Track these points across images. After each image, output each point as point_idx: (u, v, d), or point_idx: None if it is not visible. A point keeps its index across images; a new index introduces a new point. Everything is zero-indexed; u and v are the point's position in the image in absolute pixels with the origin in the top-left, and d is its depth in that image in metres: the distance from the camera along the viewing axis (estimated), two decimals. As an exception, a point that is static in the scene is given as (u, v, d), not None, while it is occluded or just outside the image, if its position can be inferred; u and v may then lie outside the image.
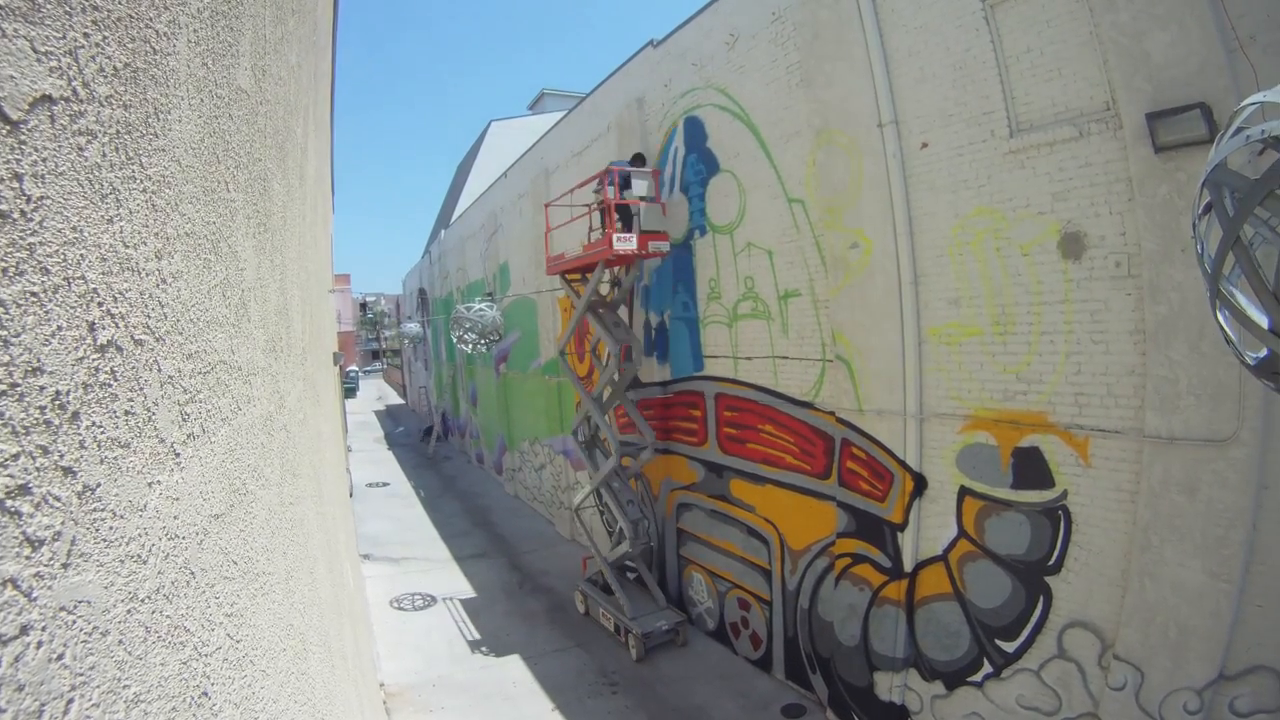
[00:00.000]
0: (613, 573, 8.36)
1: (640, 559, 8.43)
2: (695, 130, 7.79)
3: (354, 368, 40.22)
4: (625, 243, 7.38)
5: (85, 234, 0.77)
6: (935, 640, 5.50)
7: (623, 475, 8.50)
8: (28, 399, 0.66)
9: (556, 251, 9.27)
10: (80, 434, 0.75)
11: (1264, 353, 1.61)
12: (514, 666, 7.73)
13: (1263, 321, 1.53)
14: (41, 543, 0.68)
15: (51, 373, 0.70)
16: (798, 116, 6.33)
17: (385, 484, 17.61)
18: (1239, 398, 3.74)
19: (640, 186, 7.80)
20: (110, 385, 0.83)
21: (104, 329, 0.82)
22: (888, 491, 5.76)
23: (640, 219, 7.64)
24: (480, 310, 12.57)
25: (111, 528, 0.81)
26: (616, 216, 7.64)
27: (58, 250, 0.72)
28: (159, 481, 0.97)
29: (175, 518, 1.02)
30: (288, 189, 2.45)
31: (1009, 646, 4.97)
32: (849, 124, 5.77)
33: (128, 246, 0.89)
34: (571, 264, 8.56)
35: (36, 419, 0.68)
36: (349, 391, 30.20)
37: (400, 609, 9.66)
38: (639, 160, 8.41)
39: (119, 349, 0.86)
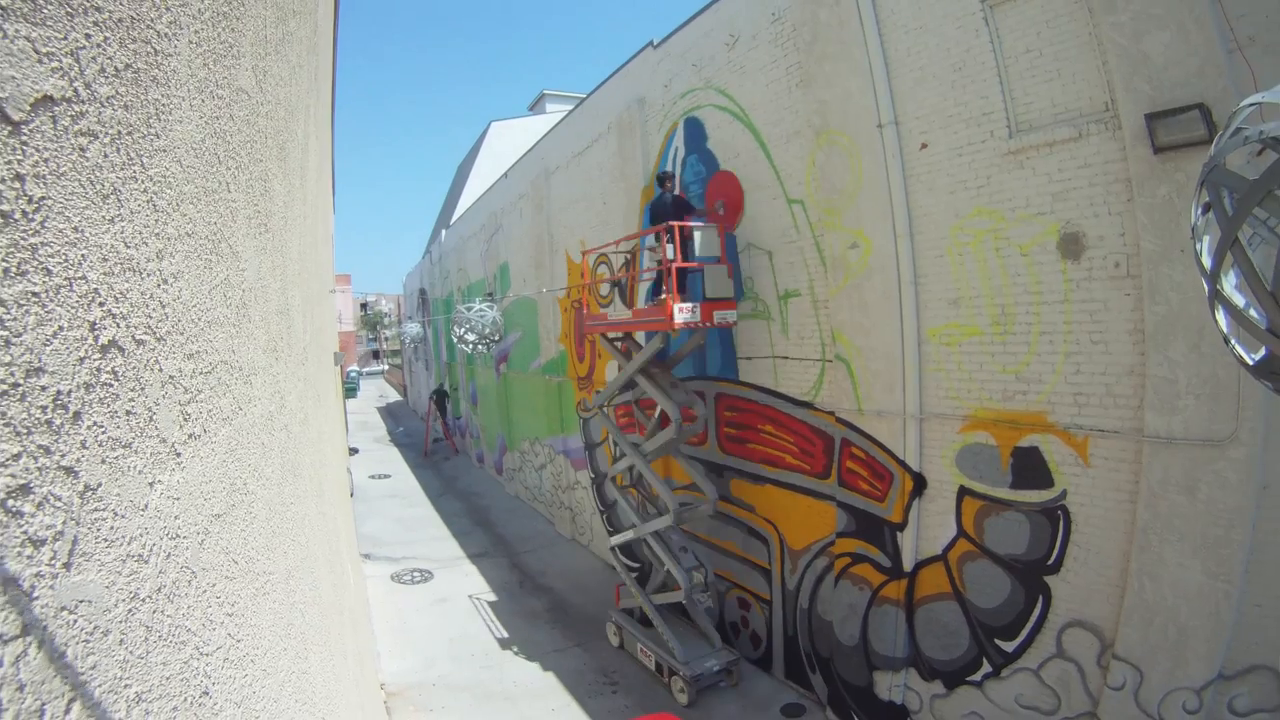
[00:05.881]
0: (654, 608, 7.52)
1: (693, 601, 7.45)
2: (695, 131, 7.80)
3: (354, 368, 40.20)
4: (687, 314, 6.28)
5: (87, 234, 0.78)
6: (935, 640, 5.50)
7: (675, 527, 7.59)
8: (29, 399, 0.67)
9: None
10: (82, 434, 0.76)
11: (1262, 353, 1.61)
12: (514, 666, 7.73)
13: (1260, 322, 1.53)
14: (43, 542, 0.68)
15: (53, 373, 0.71)
16: (797, 117, 6.34)
17: (387, 476, 18.16)
18: (1238, 398, 3.74)
19: (704, 243, 6.57)
20: (111, 385, 0.83)
21: (105, 329, 0.82)
22: (887, 491, 5.76)
23: (705, 282, 6.59)
24: (481, 310, 12.55)
25: (113, 527, 0.82)
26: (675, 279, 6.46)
27: (59, 251, 0.72)
28: (160, 481, 0.97)
29: (176, 517, 1.03)
30: (289, 189, 2.45)
31: (1008, 646, 4.98)
32: (848, 124, 5.77)
33: (129, 247, 0.89)
34: (620, 327, 7.65)
35: (38, 419, 0.68)
36: (350, 392, 30.20)
37: (400, 583, 10.35)
38: (666, 179, 7.19)
39: (120, 349, 0.86)
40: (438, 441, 22.48)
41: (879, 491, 5.84)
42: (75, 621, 0.73)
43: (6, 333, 0.64)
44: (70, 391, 0.74)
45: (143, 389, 0.93)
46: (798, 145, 6.37)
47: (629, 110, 9.07)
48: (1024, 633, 4.88)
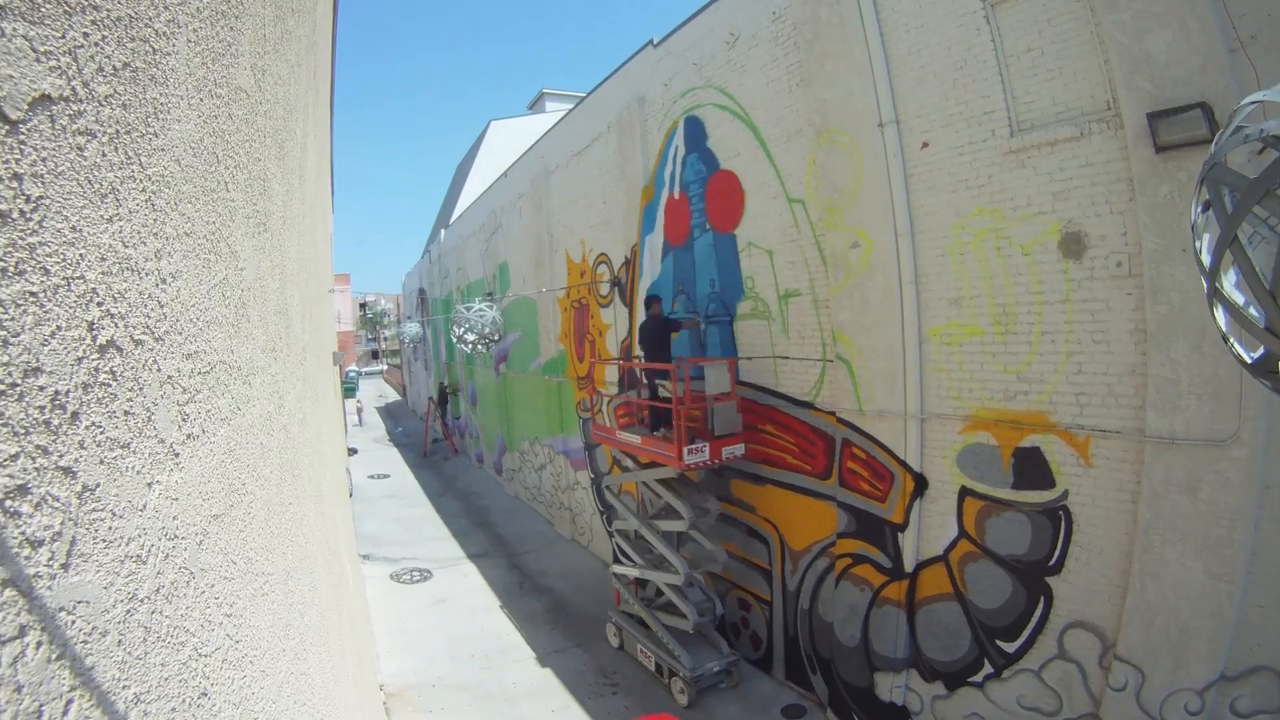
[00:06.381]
0: (650, 613, 7.58)
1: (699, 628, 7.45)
2: (695, 130, 7.79)
3: (353, 368, 40.17)
4: (697, 455, 6.61)
5: (85, 234, 0.77)
6: (936, 640, 5.49)
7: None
8: (27, 399, 0.66)
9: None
10: (80, 434, 0.75)
11: (1261, 351, 1.61)
12: (514, 667, 7.73)
13: (1259, 320, 1.53)
14: (41, 543, 0.67)
15: (51, 373, 0.70)
16: (798, 116, 6.33)
17: (386, 476, 18.25)
18: (1240, 397, 3.74)
19: (715, 381, 6.85)
20: (110, 385, 0.83)
21: (103, 329, 0.81)
22: (888, 492, 5.76)
23: (714, 419, 6.83)
24: (480, 310, 12.54)
25: (111, 528, 0.81)
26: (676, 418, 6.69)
27: (57, 250, 0.72)
28: (158, 482, 0.97)
29: (174, 518, 1.02)
30: (287, 188, 2.45)
31: (1009, 647, 4.97)
32: (849, 123, 5.77)
33: (127, 246, 0.88)
34: (629, 449, 7.81)
35: (36, 419, 0.67)
36: (348, 392, 30.23)
37: (399, 583, 10.46)
38: (653, 303, 7.51)
39: (118, 349, 0.85)
40: (437, 442, 22.50)
41: (880, 492, 5.83)
42: (73, 622, 0.72)
43: (4, 332, 0.63)
44: (68, 392, 0.73)
45: (141, 389, 0.92)
46: (798, 144, 6.37)
47: (629, 109, 9.06)
48: (1025, 634, 4.87)
